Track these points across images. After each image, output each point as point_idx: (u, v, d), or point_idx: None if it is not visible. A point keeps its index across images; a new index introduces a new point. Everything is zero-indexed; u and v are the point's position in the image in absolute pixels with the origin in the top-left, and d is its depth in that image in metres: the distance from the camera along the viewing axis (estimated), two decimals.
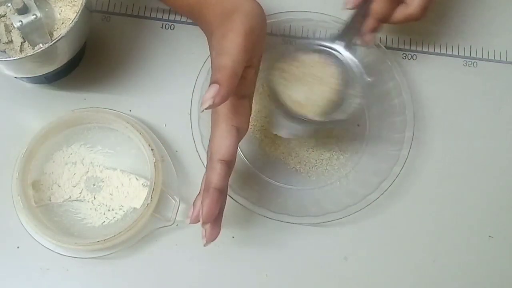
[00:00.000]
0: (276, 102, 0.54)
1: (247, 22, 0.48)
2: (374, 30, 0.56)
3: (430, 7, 0.56)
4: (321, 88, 0.55)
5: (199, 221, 0.49)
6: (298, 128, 0.55)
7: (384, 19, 0.56)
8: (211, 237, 0.48)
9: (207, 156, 0.50)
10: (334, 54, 0.56)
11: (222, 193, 0.48)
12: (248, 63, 0.49)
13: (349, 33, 0.56)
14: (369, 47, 0.62)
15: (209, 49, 0.50)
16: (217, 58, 0.47)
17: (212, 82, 0.45)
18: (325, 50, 0.56)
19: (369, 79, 0.63)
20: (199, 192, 0.50)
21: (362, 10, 0.56)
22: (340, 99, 0.55)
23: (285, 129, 0.56)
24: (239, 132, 0.50)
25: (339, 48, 0.56)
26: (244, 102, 0.51)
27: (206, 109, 0.45)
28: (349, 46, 0.56)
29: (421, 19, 0.57)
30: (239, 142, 0.51)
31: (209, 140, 0.50)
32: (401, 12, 0.56)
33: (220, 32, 0.48)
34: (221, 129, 0.49)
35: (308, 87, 0.55)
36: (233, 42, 0.47)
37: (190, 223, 0.49)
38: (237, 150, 0.50)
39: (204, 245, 0.48)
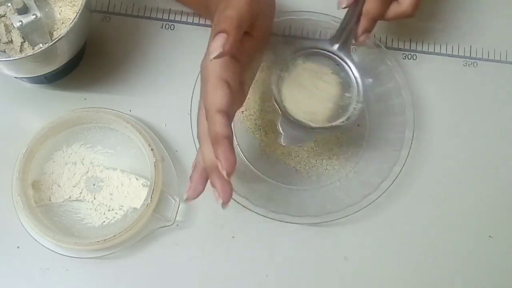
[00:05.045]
0: (280, 110, 0.54)
1: None
2: (368, 30, 0.56)
3: (421, 4, 0.57)
4: (323, 95, 0.55)
5: (197, 196, 0.48)
6: (300, 136, 0.55)
7: (377, 19, 0.57)
8: (227, 195, 0.46)
9: (198, 120, 0.48)
10: (333, 58, 0.56)
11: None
12: (249, 29, 0.49)
13: (344, 34, 0.56)
14: (368, 47, 0.63)
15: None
16: (222, 12, 0.47)
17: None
18: (324, 54, 0.56)
19: (370, 80, 0.63)
20: (193, 168, 0.49)
21: (356, 10, 0.56)
22: (342, 105, 0.55)
23: (289, 138, 0.55)
24: (231, 89, 0.47)
25: (337, 51, 0.56)
26: (235, 63, 0.49)
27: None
28: (346, 48, 0.56)
29: (414, 17, 0.57)
30: (235, 111, 0.49)
31: (200, 99, 0.48)
32: (393, 10, 0.57)
33: (224, 2, 0.49)
34: (211, 83, 0.47)
35: (310, 95, 0.55)
36: (237, 1, 0.47)
37: (187, 198, 0.48)
38: (233, 113, 0.48)
39: (223, 207, 0.46)
